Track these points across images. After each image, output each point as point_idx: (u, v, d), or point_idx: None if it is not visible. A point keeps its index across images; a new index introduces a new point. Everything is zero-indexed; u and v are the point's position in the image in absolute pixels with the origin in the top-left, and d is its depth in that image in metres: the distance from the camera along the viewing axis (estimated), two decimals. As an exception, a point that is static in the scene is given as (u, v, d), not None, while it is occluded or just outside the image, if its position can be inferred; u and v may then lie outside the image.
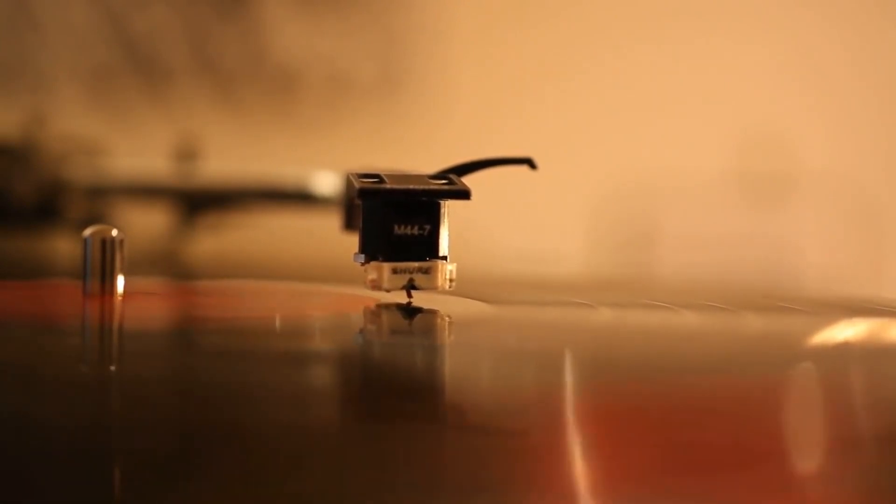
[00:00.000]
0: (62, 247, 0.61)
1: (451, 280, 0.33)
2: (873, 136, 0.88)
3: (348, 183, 0.33)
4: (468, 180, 0.33)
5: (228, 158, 0.65)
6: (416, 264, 0.32)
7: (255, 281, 0.47)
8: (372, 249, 0.32)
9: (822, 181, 0.85)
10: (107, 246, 0.33)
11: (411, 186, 0.32)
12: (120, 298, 0.33)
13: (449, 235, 0.33)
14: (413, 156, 0.46)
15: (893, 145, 0.88)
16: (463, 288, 0.34)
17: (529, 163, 0.34)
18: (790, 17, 0.88)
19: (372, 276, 0.32)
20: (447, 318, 0.34)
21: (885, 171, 0.88)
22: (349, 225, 0.40)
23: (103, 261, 0.33)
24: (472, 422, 0.22)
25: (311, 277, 0.47)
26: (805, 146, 0.86)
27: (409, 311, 0.33)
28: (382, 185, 0.32)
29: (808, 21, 0.88)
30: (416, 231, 0.32)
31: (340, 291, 0.40)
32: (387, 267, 0.32)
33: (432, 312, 0.34)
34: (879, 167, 0.88)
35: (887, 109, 0.88)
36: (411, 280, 0.32)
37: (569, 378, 0.27)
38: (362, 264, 0.33)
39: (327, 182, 0.60)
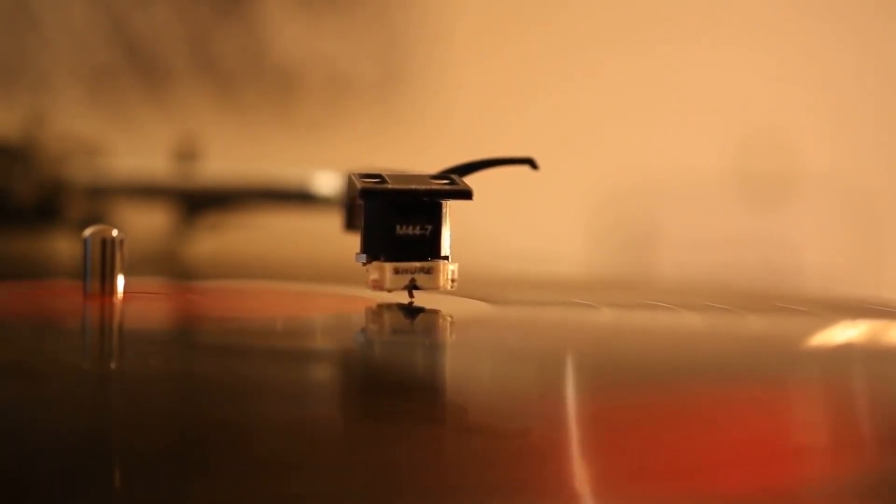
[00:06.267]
0: (62, 247, 0.61)
1: (452, 280, 0.33)
2: (873, 136, 0.88)
3: (350, 183, 0.33)
4: (469, 180, 0.33)
5: (228, 158, 0.64)
6: (418, 264, 0.32)
7: (255, 281, 0.47)
8: (374, 249, 0.32)
9: (822, 181, 0.85)
10: (107, 246, 0.33)
11: (413, 186, 0.32)
12: (120, 298, 0.33)
13: (451, 235, 0.33)
14: (414, 156, 0.47)
15: (893, 145, 0.88)
16: (464, 288, 0.34)
17: (530, 163, 0.34)
18: (790, 18, 0.88)
19: (374, 276, 0.32)
20: (449, 318, 0.34)
21: (885, 171, 0.88)
22: (350, 225, 0.40)
23: (103, 261, 0.33)
24: (472, 422, 0.22)
25: (312, 277, 0.47)
26: (805, 146, 0.86)
27: (411, 311, 0.33)
28: (384, 185, 0.32)
29: (809, 22, 0.88)
30: (417, 231, 0.32)
31: (342, 292, 0.40)
32: (389, 267, 0.32)
33: (434, 312, 0.34)
34: (879, 167, 0.88)
35: (887, 109, 0.88)
36: (413, 280, 0.32)
37: (570, 378, 0.27)
38: (364, 264, 0.33)
39: (328, 182, 0.60)
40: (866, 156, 0.88)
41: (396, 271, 0.32)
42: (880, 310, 0.40)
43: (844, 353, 0.31)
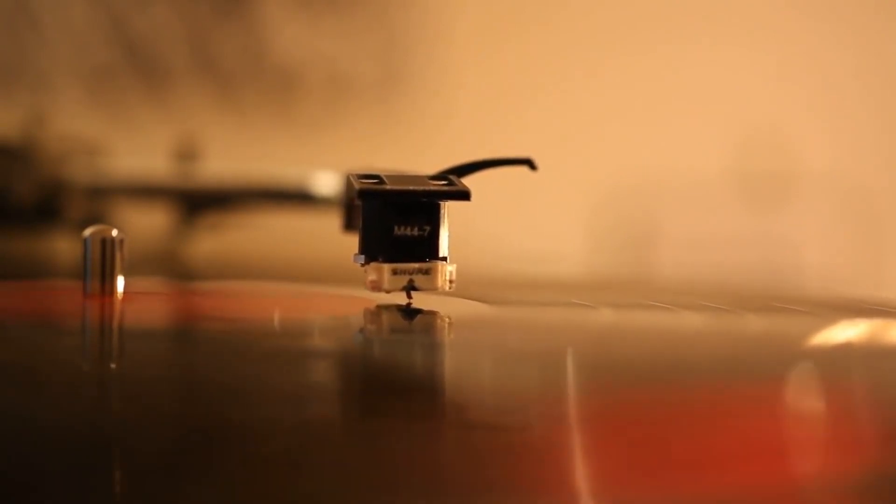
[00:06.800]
0: (62, 247, 0.61)
1: (450, 281, 0.33)
2: (873, 136, 0.88)
3: (348, 183, 0.33)
4: (468, 181, 0.33)
5: (228, 158, 0.64)
6: (416, 265, 0.32)
7: (255, 281, 0.47)
8: (372, 250, 0.32)
9: (822, 181, 0.85)
10: (107, 246, 0.33)
11: (411, 187, 0.32)
12: (120, 298, 0.33)
13: (449, 236, 0.33)
14: (413, 156, 0.47)
15: (893, 145, 0.88)
16: (463, 289, 0.34)
17: (529, 163, 0.34)
18: (790, 18, 0.88)
19: (372, 276, 0.32)
20: (447, 319, 0.34)
21: (885, 171, 0.88)
22: (349, 225, 0.40)
23: (103, 261, 0.33)
24: (471, 422, 0.22)
25: (311, 278, 0.47)
26: (805, 146, 0.86)
27: (409, 312, 0.33)
28: (382, 186, 0.32)
29: (808, 22, 0.88)
30: (416, 232, 0.32)
31: (340, 292, 0.40)
32: (387, 268, 0.32)
33: (432, 313, 0.34)
34: (879, 167, 0.88)
35: (887, 109, 0.88)
36: (411, 281, 0.32)
37: (569, 379, 0.27)
38: (362, 265, 0.33)
39: (327, 182, 0.60)
40: (866, 156, 0.88)
41: (394, 272, 0.32)
42: (880, 310, 0.40)
43: (844, 352, 0.31)
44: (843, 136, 0.87)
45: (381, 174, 0.33)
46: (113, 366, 0.27)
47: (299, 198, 0.61)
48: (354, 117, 0.89)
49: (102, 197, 0.63)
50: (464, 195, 0.32)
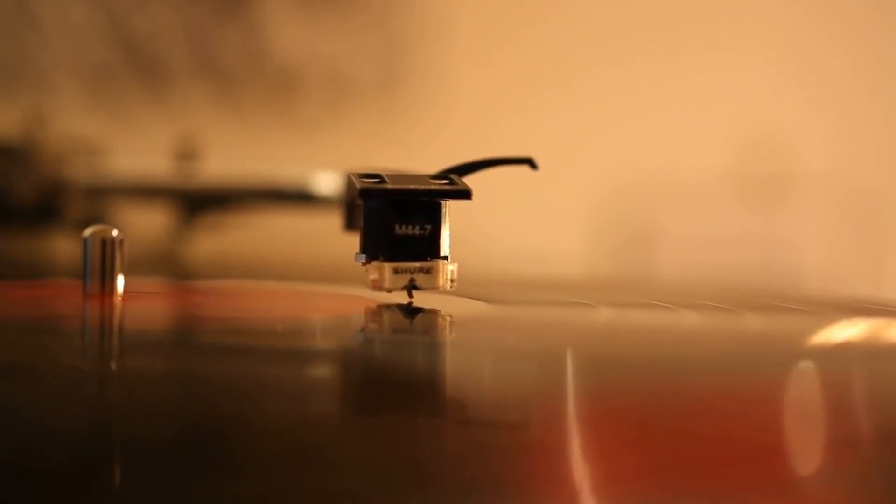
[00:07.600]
0: (62, 247, 0.61)
1: (452, 280, 0.33)
2: (873, 136, 0.88)
3: (349, 183, 0.33)
4: (469, 180, 0.33)
5: (228, 158, 0.65)
6: (418, 264, 0.32)
7: (255, 281, 0.47)
8: (373, 249, 0.32)
9: (822, 181, 0.85)
10: (107, 246, 0.33)
11: (412, 186, 0.32)
12: (120, 298, 0.33)
13: (450, 235, 0.33)
14: (413, 156, 0.47)
15: (894, 145, 0.88)
16: (464, 288, 0.34)
17: (530, 163, 0.34)
18: (790, 18, 0.88)
19: (373, 276, 0.32)
20: (448, 318, 0.34)
21: (885, 171, 0.88)
22: (350, 225, 0.40)
23: (103, 261, 0.33)
24: (472, 421, 0.22)
25: (312, 277, 0.47)
26: (805, 146, 0.86)
27: (410, 311, 0.33)
28: (383, 185, 0.32)
29: (808, 21, 0.88)
30: (417, 231, 0.32)
31: (341, 291, 0.40)
32: (388, 267, 0.32)
33: (433, 312, 0.34)
34: (879, 167, 0.88)
35: (887, 109, 0.88)
36: (412, 280, 0.32)
37: (569, 378, 0.27)
38: (363, 264, 0.33)
39: (327, 182, 0.60)
40: (866, 156, 0.88)
41: (396, 271, 0.32)
42: (880, 310, 0.40)
43: (844, 352, 0.31)
44: (844, 136, 0.87)
45: (383, 173, 0.33)
46: (113, 366, 0.27)
47: (299, 198, 0.61)
48: (354, 117, 0.89)
49: (102, 197, 0.63)
50: (465, 194, 0.32)
